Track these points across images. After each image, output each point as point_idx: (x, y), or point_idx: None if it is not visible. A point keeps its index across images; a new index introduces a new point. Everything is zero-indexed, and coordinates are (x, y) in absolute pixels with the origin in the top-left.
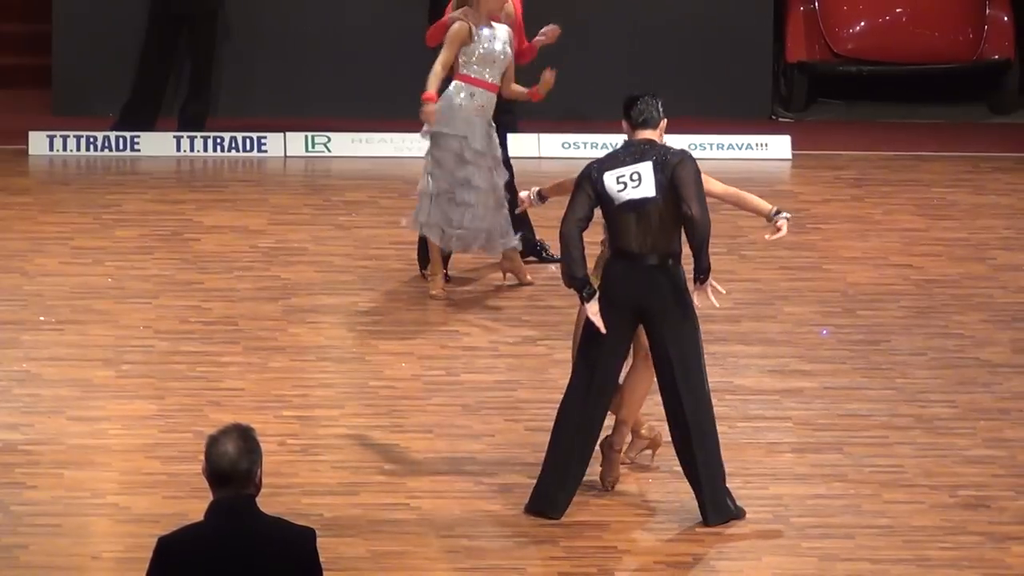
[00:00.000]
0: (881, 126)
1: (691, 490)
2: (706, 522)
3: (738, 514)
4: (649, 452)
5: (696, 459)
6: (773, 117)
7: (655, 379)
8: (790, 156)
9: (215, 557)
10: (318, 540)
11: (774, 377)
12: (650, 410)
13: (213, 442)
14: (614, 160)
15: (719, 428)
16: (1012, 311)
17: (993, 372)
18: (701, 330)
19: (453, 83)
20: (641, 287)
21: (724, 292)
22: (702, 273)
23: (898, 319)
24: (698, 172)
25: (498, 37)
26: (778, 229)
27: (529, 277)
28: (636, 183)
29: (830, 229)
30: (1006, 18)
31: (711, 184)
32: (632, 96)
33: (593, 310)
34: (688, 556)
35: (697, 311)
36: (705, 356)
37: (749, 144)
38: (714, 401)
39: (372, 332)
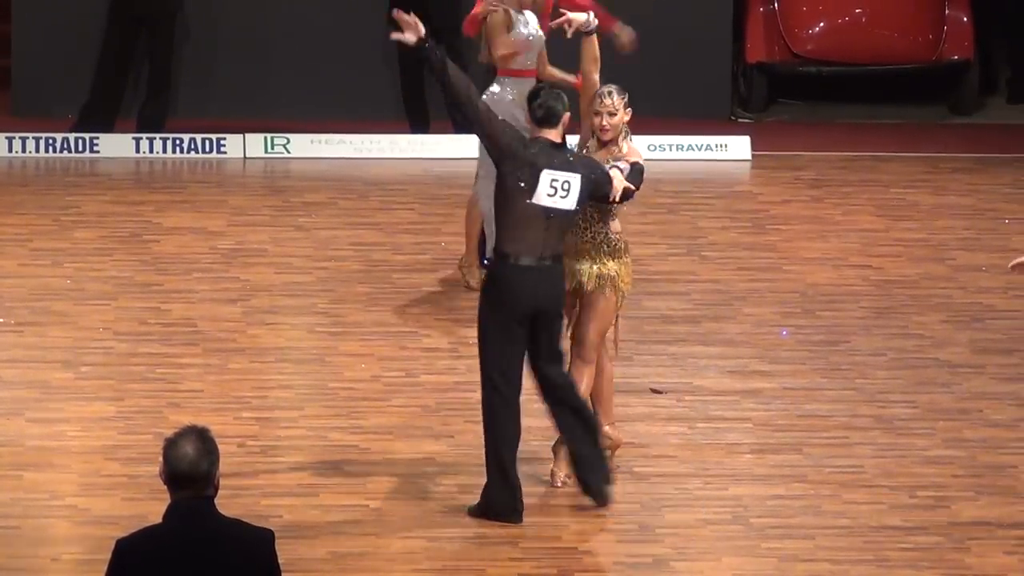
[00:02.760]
0: (841, 127)
1: (651, 491)
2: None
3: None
4: (609, 453)
5: (580, 443)
6: (732, 118)
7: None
8: (749, 157)
9: (174, 559)
10: (277, 541)
11: (734, 378)
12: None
13: (171, 444)
14: (549, 158)
15: (679, 428)
16: (971, 312)
17: (952, 372)
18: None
19: (497, 79)
20: (540, 289)
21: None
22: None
23: (858, 320)
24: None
25: (529, 22)
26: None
27: None
28: (565, 193)
29: (790, 230)
30: (965, 18)
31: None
32: (535, 89)
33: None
34: (648, 557)
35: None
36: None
37: (708, 145)
38: (674, 402)
39: (332, 333)
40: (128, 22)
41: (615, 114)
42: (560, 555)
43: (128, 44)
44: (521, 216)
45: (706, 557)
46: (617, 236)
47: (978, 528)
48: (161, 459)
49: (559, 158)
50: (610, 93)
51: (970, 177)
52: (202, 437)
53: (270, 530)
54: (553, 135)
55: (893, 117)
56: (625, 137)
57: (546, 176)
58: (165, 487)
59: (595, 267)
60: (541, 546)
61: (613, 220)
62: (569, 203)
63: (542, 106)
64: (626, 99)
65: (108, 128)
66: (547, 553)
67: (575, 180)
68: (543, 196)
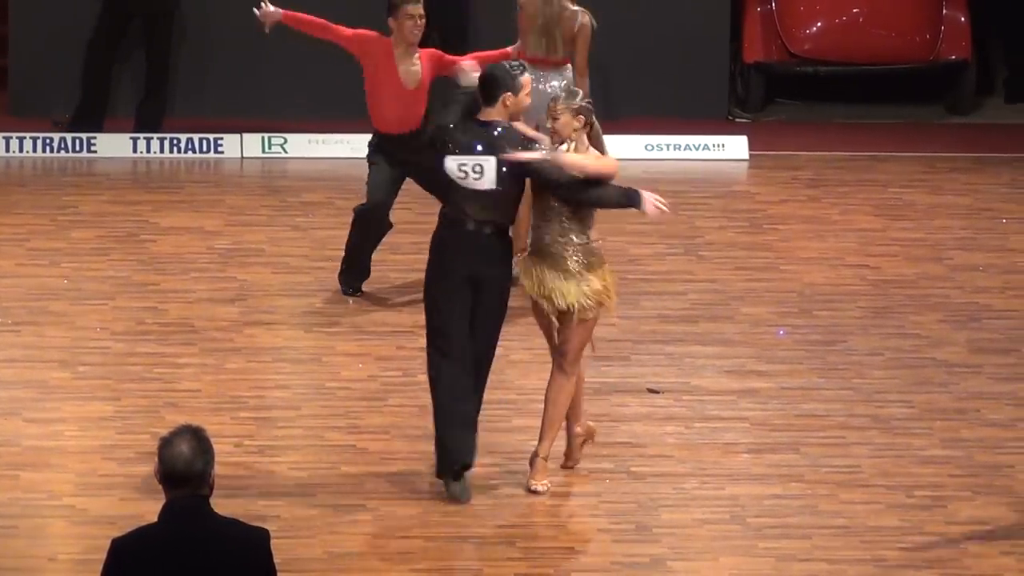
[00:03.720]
0: (838, 126)
1: (648, 491)
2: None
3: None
4: (586, 444)
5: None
6: (730, 117)
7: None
8: (747, 156)
9: (169, 558)
10: (274, 541)
11: (731, 377)
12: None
13: (166, 444)
14: (457, 141)
15: (675, 428)
16: (969, 311)
17: (950, 372)
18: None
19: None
20: (477, 256)
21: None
22: (635, 198)
23: (855, 319)
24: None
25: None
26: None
27: None
28: (478, 175)
29: (787, 229)
30: (963, 19)
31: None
32: (491, 68)
33: None
34: (645, 556)
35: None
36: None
37: (706, 144)
38: (671, 401)
39: (329, 333)
40: (125, 20)
41: (557, 119)
42: (557, 555)
43: (117, 40)
44: (449, 190)
45: (703, 557)
46: (597, 244)
47: (975, 528)
48: (156, 458)
49: (477, 140)
50: (555, 99)
51: (967, 177)
52: (197, 436)
53: (265, 529)
54: (486, 114)
55: (890, 117)
56: (579, 147)
57: (450, 162)
58: (161, 487)
59: (581, 286)
60: (538, 546)
61: (590, 229)
62: (486, 184)
63: (485, 87)
64: (578, 107)
65: (98, 126)
66: (544, 553)
67: (488, 163)
68: (454, 175)
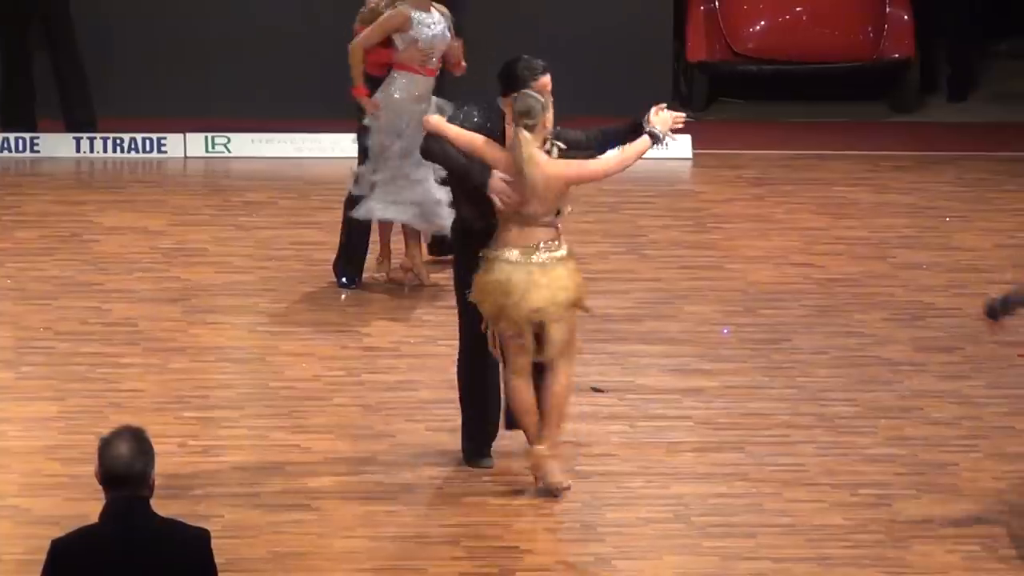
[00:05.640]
0: (782, 125)
1: (592, 490)
2: None
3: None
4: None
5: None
6: None
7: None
8: (691, 155)
9: (109, 559)
10: (217, 541)
11: (675, 376)
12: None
13: (106, 444)
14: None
15: (620, 427)
16: (913, 309)
17: (894, 370)
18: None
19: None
20: None
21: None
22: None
23: (799, 318)
24: None
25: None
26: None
27: (430, 278)
28: None
29: (731, 228)
30: (906, 17)
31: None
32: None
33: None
34: (590, 556)
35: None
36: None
37: None
38: (615, 400)
39: (273, 333)
40: (16, 21)
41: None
42: (501, 554)
43: (23, 44)
44: None
45: (648, 556)
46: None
47: (920, 526)
48: (96, 459)
49: None
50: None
51: (911, 175)
52: (137, 437)
53: (206, 530)
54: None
55: (834, 115)
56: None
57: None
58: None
59: (557, 296)
60: (482, 545)
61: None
62: None
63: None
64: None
65: (31, 128)
66: (488, 552)
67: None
68: None
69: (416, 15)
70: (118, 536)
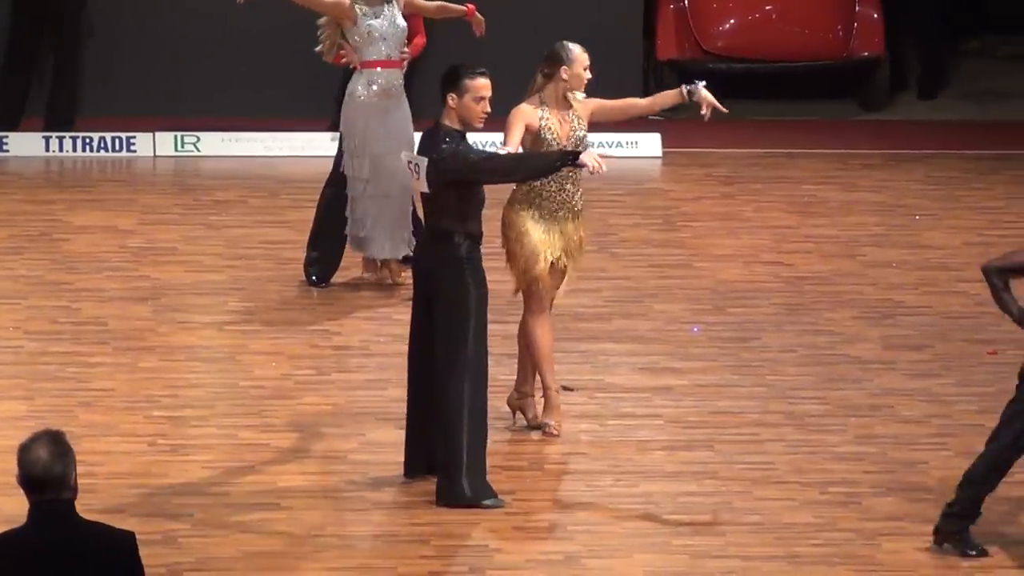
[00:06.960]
0: (752, 124)
1: (562, 488)
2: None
3: (473, 501)
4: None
5: (436, 442)
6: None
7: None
8: (660, 154)
9: (34, 563)
10: (187, 540)
11: (644, 375)
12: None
13: (24, 449)
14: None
15: (590, 425)
16: (882, 308)
17: (863, 369)
18: (476, 319)
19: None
20: (424, 255)
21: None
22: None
23: (769, 316)
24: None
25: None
26: (704, 102)
27: (401, 277)
28: (416, 175)
29: (701, 226)
30: (876, 15)
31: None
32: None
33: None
34: (559, 554)
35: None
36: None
37: (619, 142)
38: (585, 399)
39: (242, 332)
40: (30, 22)
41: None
42: (471, 553)
43: (31, 44)
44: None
45: (617, 554)
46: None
47: (889, 524)
48: (16, 465)
49: (431, 140)
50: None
51: (881, 173)
52: (55, 440)
53: (132, 532)
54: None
55: (804, 114)
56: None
57: (403, 157)
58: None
59: (580, 231)
60: (452, 544)
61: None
62: (421, 185)
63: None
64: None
65: (13, 127)
66: (458, 551)
67: (423, 163)
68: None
69: (360, 8)
70: (42, 539)
